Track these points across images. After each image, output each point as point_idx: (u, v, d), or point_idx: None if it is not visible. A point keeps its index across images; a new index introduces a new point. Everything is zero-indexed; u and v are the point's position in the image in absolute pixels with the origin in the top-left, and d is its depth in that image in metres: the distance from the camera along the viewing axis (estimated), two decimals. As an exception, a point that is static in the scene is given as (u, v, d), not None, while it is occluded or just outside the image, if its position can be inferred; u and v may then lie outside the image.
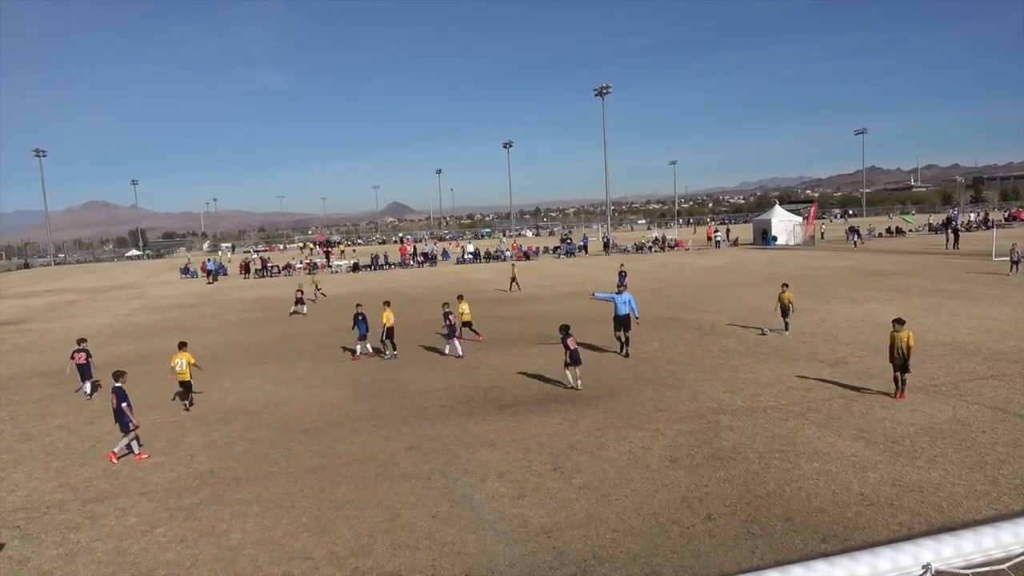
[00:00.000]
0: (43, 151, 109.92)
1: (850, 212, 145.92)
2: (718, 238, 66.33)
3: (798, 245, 60.63)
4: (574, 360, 14.83)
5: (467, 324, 21.64)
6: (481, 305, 28.71)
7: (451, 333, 19.32)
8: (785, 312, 19.71)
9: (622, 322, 17.95)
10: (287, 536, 8.61)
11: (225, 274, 59.94)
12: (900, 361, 12.60)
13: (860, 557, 2.16)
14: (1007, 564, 2.30)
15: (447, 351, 19.47)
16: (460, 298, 21.94)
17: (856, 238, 56.16)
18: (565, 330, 15.18)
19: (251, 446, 12.23)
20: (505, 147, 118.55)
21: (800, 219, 64.42)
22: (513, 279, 35.59)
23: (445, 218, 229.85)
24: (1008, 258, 31.05)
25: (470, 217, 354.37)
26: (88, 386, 16.78)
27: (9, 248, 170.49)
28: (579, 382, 14.87)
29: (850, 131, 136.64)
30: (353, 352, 20.03)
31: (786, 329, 19.65)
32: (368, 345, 19.76)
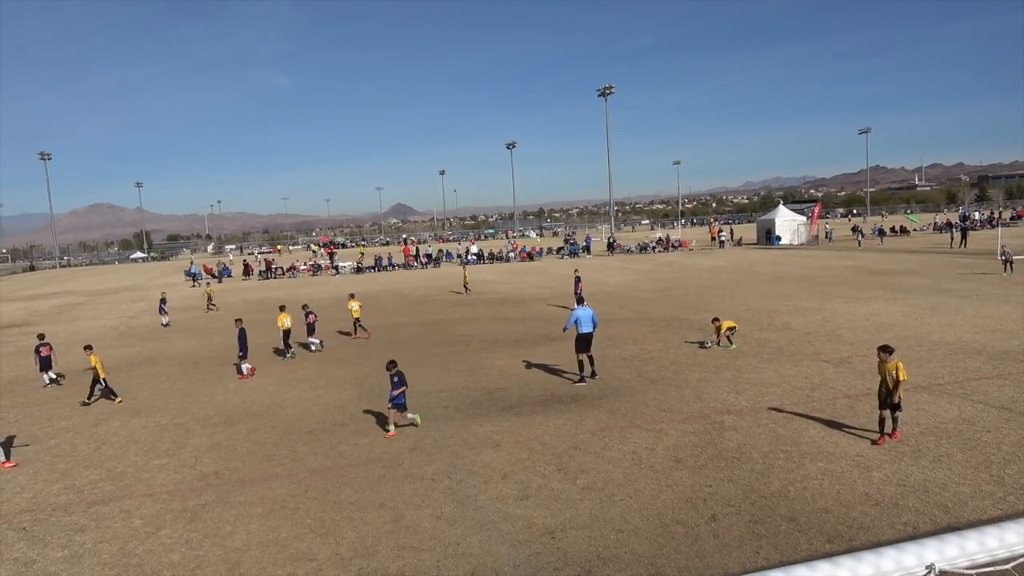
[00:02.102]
0: (48, 154, 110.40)
1: (854, 211, 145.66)
2: (722, 238, 66.24)
3: (802, 245, 60.52)
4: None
5: (356, 321, 23.85)
6: (485, 306, 28.79)
7: (309, 331, 21.60)
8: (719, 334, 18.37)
9: (587, 342, 15.39)
10: (292, 537, 8.62)
11: (229, 276, 60.04)
12: (887, 397, 10.50)
13: (864, 557, 2.15)
14: (1012, 564, 2.29)
15: (312, 348, 21.62)
16: (351, 296, 23.17)
17: (860, 237, 56.00)
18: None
19: (255, 448, 12.26)
20: (509, 148, 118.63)
21: (804, 219, 64.30)
22: (465, 282, 36.96)
23: (449, 219, 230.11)
24: (1000, 258, 30.72)
25: (474, 218, 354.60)
26: (46, 377, 18.73)
27: (15, 251, 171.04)
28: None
29: (854, 130, 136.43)
30: (240, 371, 18.52)
31: (731, 344, 18.38)
32: (246, 365, 18.41)
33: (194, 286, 52.18)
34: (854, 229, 59.76)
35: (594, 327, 15.60)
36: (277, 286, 50.11)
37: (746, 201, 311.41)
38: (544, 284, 38.96)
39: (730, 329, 18.45)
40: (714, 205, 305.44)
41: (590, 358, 15.49)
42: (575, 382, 15.39)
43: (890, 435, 10.56)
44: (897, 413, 10.57)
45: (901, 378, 10.33)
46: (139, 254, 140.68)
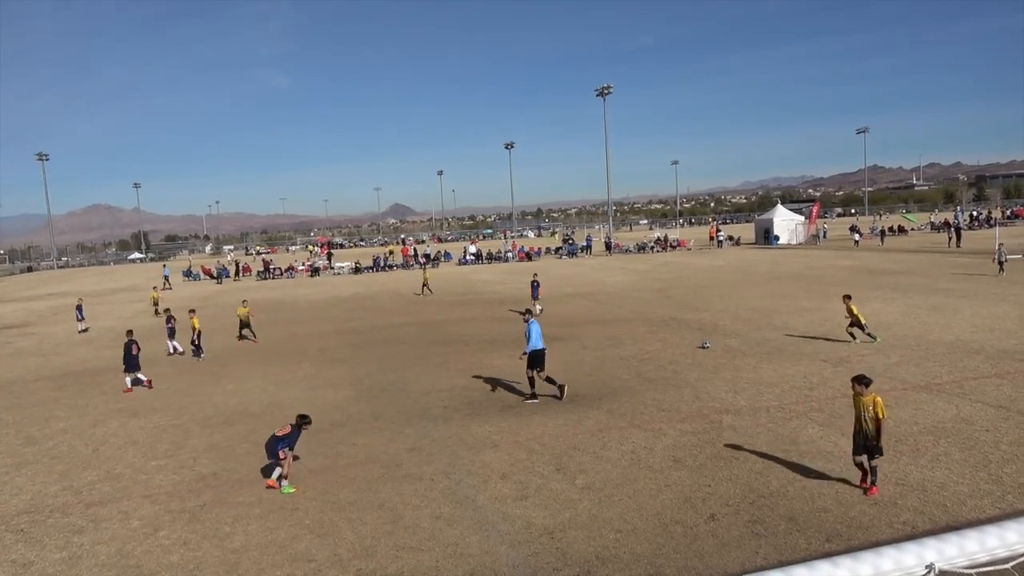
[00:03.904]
0: (46, 155, 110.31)
1: (852, 211, 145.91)
2: (720, 238, 66.28)
3: (800, 244, 60.58)
4: None
5: (245, 325, 24.86)
6: (484, 306, 28.79)
7: (170, 334, 22.41)
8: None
9: (542, 357, 14.28)
10: (290, 538, 8.61)
11: (228, 276, 60.00)
12: (862, 440, 8.77)
13: (863, 557, 2.15)
14: (1011, 564, 2.28)
15: (171, 351, 22.22)
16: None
17: (857, 236, 56.01)
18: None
19: (254, 448, 12.22)
20: (507, 148, 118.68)
21: (802, 218, 64.37)
22: (424, 283, 37.21)
23: (447, 219, 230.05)
24: (995, 259, 30.52)
25: (472, 218, 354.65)
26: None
27: (12, 252, 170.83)
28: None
29: (852, 130, 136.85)
30: (140, 380, 17.72)
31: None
32: (140, 375, 17.67)
33: (166, 287, 51.07)
34: (852, 228, 59.78)
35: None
36: (275, 286, 50.09)
37: (744, 201, 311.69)
38: (542, 284, 38.91)
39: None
40: (712, 205, 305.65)
41: (546, 377, 14.31)
42: (524, 399, 14.25)
43: (867, 490, 8.75)
44: (876, 460, 8.75)
45: (881, 416, 8.68)
46: (137, 255, 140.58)
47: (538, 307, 26.21)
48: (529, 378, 14.32)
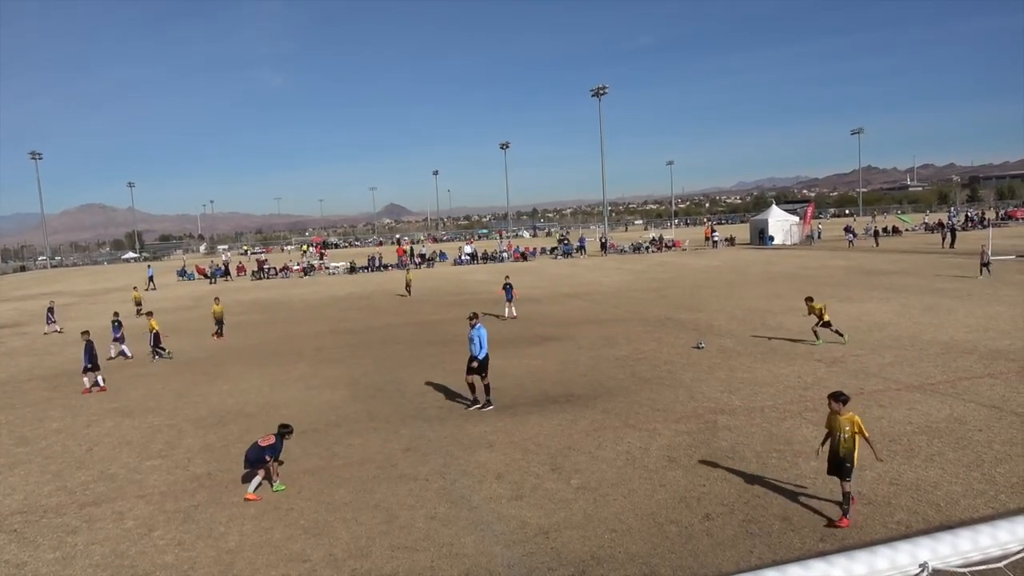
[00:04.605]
0: (39, 154, 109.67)
1: (847, 211, 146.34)
2: (715, 238, 66.39)
3: (795, 245, 60.73)
4: None
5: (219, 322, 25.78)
6: (479, 306, 28.62)
7: (120, 339, 22.37)
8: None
9: (485, 364, 13.85)
10: (285, 538, 8.60)
11: (222, 276, 59.82)
12: (838, 461, 8.11)
13: (858, 556, 2.16)
14: (1004, 563, 2.30)
15: (116, 353, 22.23)
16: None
17: (852, 237, 56.11)
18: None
19: (249, 448, 12.20)
20: (502, 148, 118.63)
21: (797, 219, 64.52)
22: (408, 284, 37.15)
23: (442, 219, 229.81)
24: (980, 261, 30.31)
25: (467, 218, 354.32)
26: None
27: (6, 251, 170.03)
28: None
29: (846, 131, 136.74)
30: (97, 384, 17.59)
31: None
32: (99, 377, 17.62)
33: (150, 288, 50.77)
34: (846, 229, 59.92)
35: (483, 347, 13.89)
36: (270, 286, 49.99)
37: (739, 201, 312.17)
38: (538, 284, 38.96)
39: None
40: (707, 205, 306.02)
41: (486, 385, 13.88)
42: (467, 407, 13.93)
43: (837, 520, 8.06)
44: (847, 484, 8.01)
45: (864, 434, 8.14)
46: (131, 254, 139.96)
47: (512, 310, 25.95)
48: (469, 385, 13.97)
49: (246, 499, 9.89)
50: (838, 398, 8.34)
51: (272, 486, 10.16)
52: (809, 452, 10.32)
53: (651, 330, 21.58)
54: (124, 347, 22.26)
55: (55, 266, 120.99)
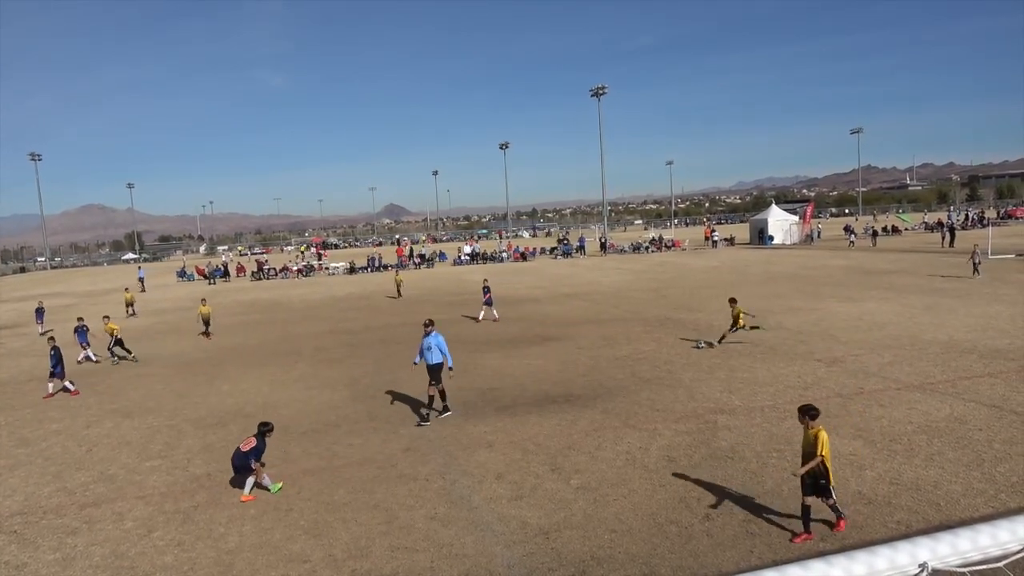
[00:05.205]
0: (39, 155, 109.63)
1: (847, 211, 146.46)
2: (715, 238, 66.41)
3: (795, 244, 60.74)
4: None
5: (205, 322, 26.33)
6: (478, 306, 28.61)
7: (86, 344, 22.18)
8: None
9: (439, 372, 13.31)
10: (285, 539, 8.59)
11: (222, 276, 59.82)
12: (811, 479, 7.78)
13: (857, 556, 2.16)
14: (1004, 562, 2.30)
15: (83, 357, 21.88)
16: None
17: (852, 237, 56.08)
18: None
19: (248, 449, 12.19)
20: (502, 148, 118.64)
21: (796, 218, 64.54)
22: (398, 285, 37.23)
23: (442, 219, 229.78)
24: (970, 260, 30.22)
25: (467, 218, 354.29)
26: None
27: (5, 252, 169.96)
28: None
29: (846, 130, 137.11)
30: (68, 388, 17.46)
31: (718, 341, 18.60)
32: (67, 383, 17.45)
33: (141, 290, 50.33)
34: (846, 229, 59.92)
35: (447, 358, 13.41)
36: (270, 286, 49.98)
37: (739, 201, 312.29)
38: (538, 284, 38.96)
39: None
40: (707, 205, 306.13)
41: (441, 392, 13.45)
42: (417, 423, 13.14)
43: (834, 525, 7.94)
44: (832, 500, 7.82)
45: (823, 452, 7.63)
46: (131, 255, 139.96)
47: (489, 312, 25.74)
48: (440, 392, 13.43)
49: (242, 501, 9.88)
50: (807, 412, 7.88)
51: (270, 488, 10.13)
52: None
53: (651, 330, 21.58)
54: (89, 351, 21.89)
55: (55, 267, 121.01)
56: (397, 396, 15.36)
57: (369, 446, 11.99)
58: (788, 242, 61.64)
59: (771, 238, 61.89)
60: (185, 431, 13.61)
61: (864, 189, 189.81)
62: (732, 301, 18.80)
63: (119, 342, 21.82)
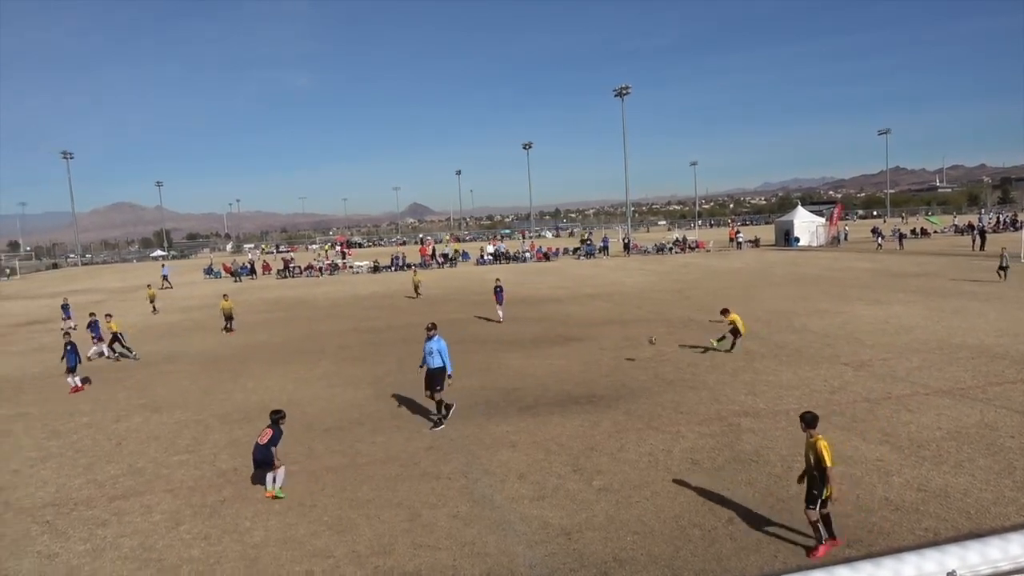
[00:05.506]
0: (70, 153, 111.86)
1: (874, 213, 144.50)
2: (740, 239, 65.84)
3: (821, 246, 60.02)
4: None
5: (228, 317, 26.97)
6: (499, 307, 28.68)
7: (98, 339, 22.61)
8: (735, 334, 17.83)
9: (441, 377, 12.96)
10: (309, 534, 8.69)
11: (248, 273, 60.53)
12: (807, 488, 7.55)
13: (883, 563, 2.15)
14: (1035, 572, 2.27)
15: (95, 353, 22.33)
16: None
17: (880, 239, 55.22)
18: None
19: (273, 445, 12.34)
20: (525, 148, 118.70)
21: (823, 220, 63.77)
22: (416, 286, 37.26)
23: (465, 219, 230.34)
24: (999, 265, 29.62)
25: (490, 218, 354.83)
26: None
27: (38, 248, 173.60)
28: None
29: (874, 131, 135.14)
30: (78, 383, 17.83)
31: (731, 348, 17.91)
32: (77, 378, 17.81)
33: (165, 286, 51.24)
34: (874, 231, 59.03)
35: (446, 365, 13.03)
36: (295, 284, 50.48)
37: (764, 202, 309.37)
38: (560, 285, 38.93)
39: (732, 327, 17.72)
40: (732, 206, 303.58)
41: (438, 401, 13.10)
42: (431, 427, 12.91)
43: (829, 541, 7.54)
44: (824, 511, 7.45)
45: (827, 463, 7.32)
46: (159, 252, 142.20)
47: (500, 314, 25.87)
48: (437, 401, 13.06)
49: (268, 496, 9.96)
50: (806, 419, 7.67)
51: (277, 491, 9.96)
52: (836, 456, 10.18)
53: (674, 331, 21.47)
54: (104, 347, 22.27)
55: (85, 264, 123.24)
56: (419, 395, 15.43)
57: (392, 444, 12.08)
58: (814, 244, 60.94)
59: (797, 240, 61.24)
60: (212, 426, 13.81)
61: (892, 191, 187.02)
62: (725, 311, 18.30)
63: (118, 339, 22.01)
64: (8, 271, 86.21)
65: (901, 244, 53.79)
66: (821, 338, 19.07)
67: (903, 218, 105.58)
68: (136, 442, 13.03)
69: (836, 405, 12.80)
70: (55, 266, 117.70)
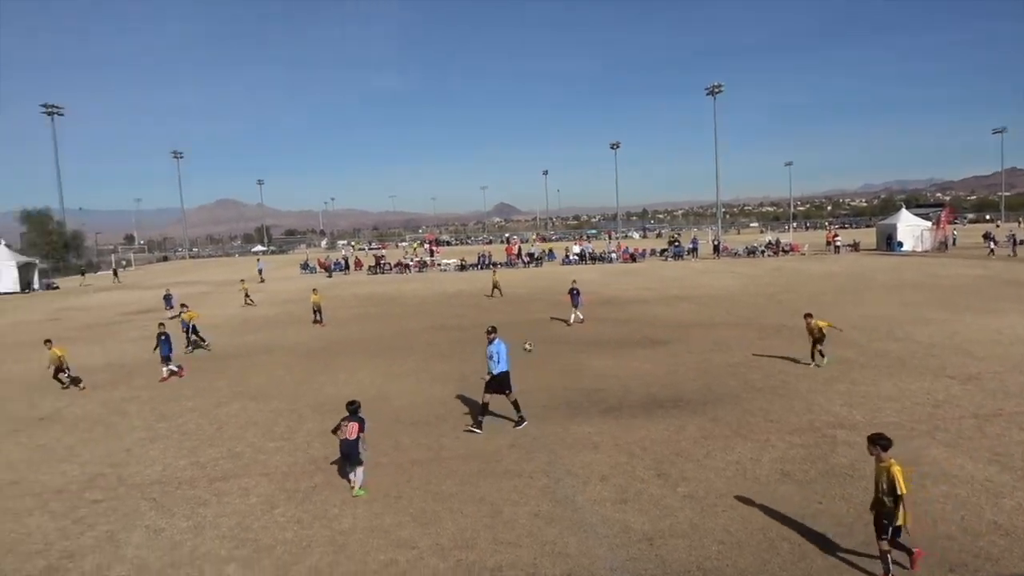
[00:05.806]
0: (180, 153, 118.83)
1: (987, 217, 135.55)
2: (838, 243, 63.02)
3: (927, 251, 56.73)
4: None
5: (317, 310, 28.01)
6: (585, 307, 28.61)
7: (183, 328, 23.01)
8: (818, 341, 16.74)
9: (507, 379, 12.86)
10: (394, 525, 8.92)
11: (342, 269, 62.60)
12: (876, 517, 7.10)
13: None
14: None
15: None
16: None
17: (992, 245, 51.65)
18: None
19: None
20: (612, 148, 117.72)
21: (929, 224, 60.26)
22: (495, 285, 36.99)
23: (551, 219, 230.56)
24: None
25: (576, 218, 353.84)
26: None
27: (151, 242, 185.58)
28: None
29: (988, 129, 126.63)
30: (174, 371, 18.68)
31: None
32: (172, 367, 18.65)
33: (260, 280, 53.53)
34: (986, 236, 55.26)
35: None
36: (385, 281, 51.86)
37: (865, 204, 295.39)
38: (647, 286, 38.39)
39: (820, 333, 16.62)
40: (829, 208, 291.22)
41: (515, 402, 12.97)
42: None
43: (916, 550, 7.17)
44: (886, 544, 6.99)
45: (902, 491, 6.78)
46: (259, 248, 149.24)
47: (579, 315, 25.49)
48: (483, 404, 12.84)
49: (354, 496, 9.93)
50: (876, 442, 7.06)
51: (355, 487, 10.07)
52: (938, 475, 9.66)
53: (765, 337, 20.79)
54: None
55: (192, 257, 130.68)
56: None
57: (475, 440, 12.22)
58: (919, 249, 57.66)
59: (900, 244, 58.12)
60: (305, 415, 14.37)
61: (1007, 193, 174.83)
62: (808, 316, 17.10)
63: (193, 329, 22.82)
64: (124, 263, 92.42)
65: (1015, 251, 50.12)
66: (926, 348, 18.04)
67: (1020, 223, 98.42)
68: (235, 427, 13.71)
69: (940, 420, 12.08)
70: (165, 259, 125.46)
